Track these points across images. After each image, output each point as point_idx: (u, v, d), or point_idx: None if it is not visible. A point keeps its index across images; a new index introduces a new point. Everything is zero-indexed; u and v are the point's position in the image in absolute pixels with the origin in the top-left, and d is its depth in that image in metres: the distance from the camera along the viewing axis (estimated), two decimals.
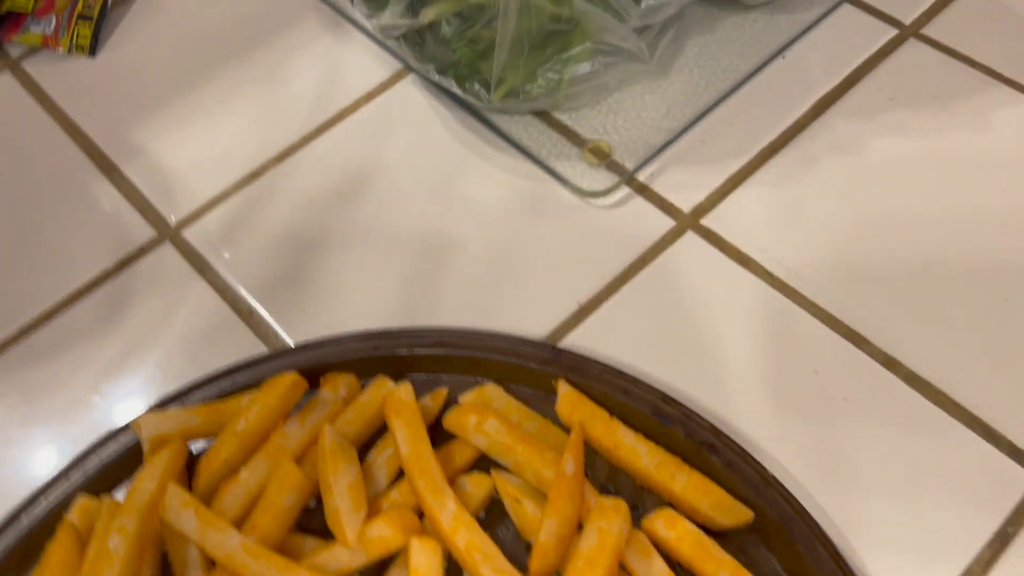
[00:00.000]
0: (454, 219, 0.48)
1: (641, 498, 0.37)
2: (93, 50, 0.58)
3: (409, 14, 0.46)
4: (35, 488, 0.39)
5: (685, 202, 0.47)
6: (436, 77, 0.49)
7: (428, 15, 0.46)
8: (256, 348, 0.44)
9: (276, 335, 0.44)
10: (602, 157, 0.49)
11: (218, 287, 0.46)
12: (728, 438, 0.37)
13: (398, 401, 0.38)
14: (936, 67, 0.52)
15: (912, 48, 0.53)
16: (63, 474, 0.39)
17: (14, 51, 0.58)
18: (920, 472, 0.38)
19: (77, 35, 0.57)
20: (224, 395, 0.41)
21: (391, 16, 0.47)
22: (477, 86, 0.48)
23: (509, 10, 0.44)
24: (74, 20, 0.58)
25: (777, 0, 0.55)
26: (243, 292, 0.46)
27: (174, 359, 0.44)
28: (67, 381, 0.44)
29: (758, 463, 0.37)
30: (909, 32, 0.54)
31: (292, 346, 0.44)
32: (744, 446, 0.38)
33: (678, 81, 0.52)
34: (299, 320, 0.45)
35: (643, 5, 0.45)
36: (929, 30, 0.54)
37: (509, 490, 0.37)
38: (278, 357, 0.41)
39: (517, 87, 0.47)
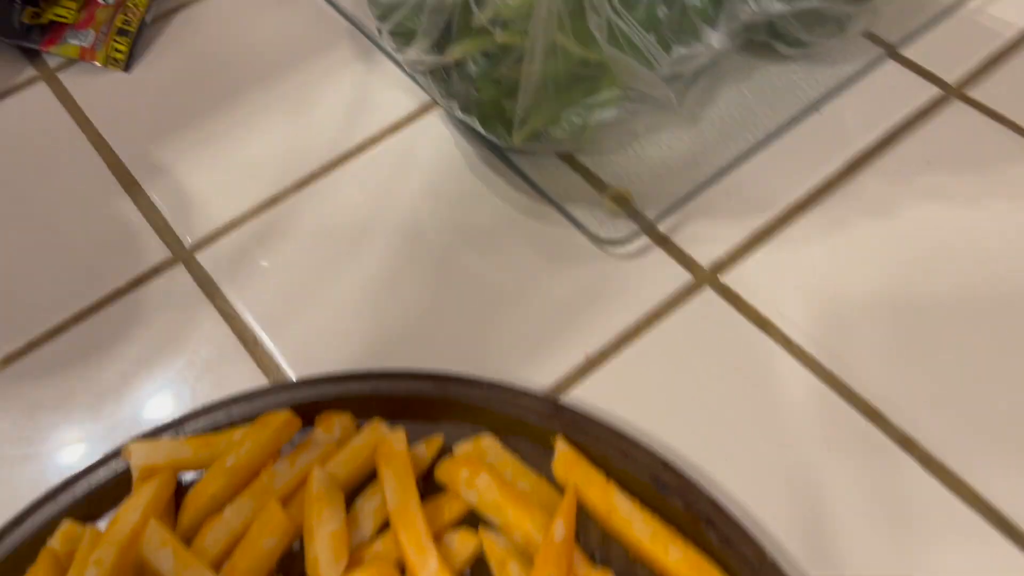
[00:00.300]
0: (468, 258, 0.47)
1: (633, 570, 0.36)
2: (128, 65, 0.58)
3: (435, 51, 0.46)
4: (22, 508, 0.38)
5: (705, 257, 0.46)
6: (459, 114, 0.48)
7: (454, 53, 0.45)
8: (257, 379, 0.44)
9: (279, 367, 0.44)
10: (623, 204, 0.48)
11: (226, 313, 0.46)
12: (728, 513, 0.36)
13: (389, 450, 0.37)
14: (980, 131, 0.50)
15: (955, 110, 0.51)
16: (51, 496, 0.39)
17: (52, 61, 0.59)
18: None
19: (114, 49, 0.58)
20: (218, 427, 0.40)
21: (417, 52, 0.46)
22: (500, 126, 0.47)
23: (536, 52, 0.43)
24: (112, 34, 0.58)
25: (816, 52, 0.53)
26: (251, 320, 0.46)
27: (176, 384, 0.44)
28: (68, 400, 0.44)
29: (757, 542, 0.35)
30: (953, 92, 0.52)
31: (292, 380, 0.43)
32: (745, 522, 0.36)
33: (707, 130, 0.50)
34: (303, 354, 0.44)
35: (673, 55, 0.44)
36: (975, 92, 0.52)
37: (496, 551, 0.36)
38: (276, 391, 0.41)
39: (540, 129, 0.46)
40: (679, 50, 0.44)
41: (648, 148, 0.50)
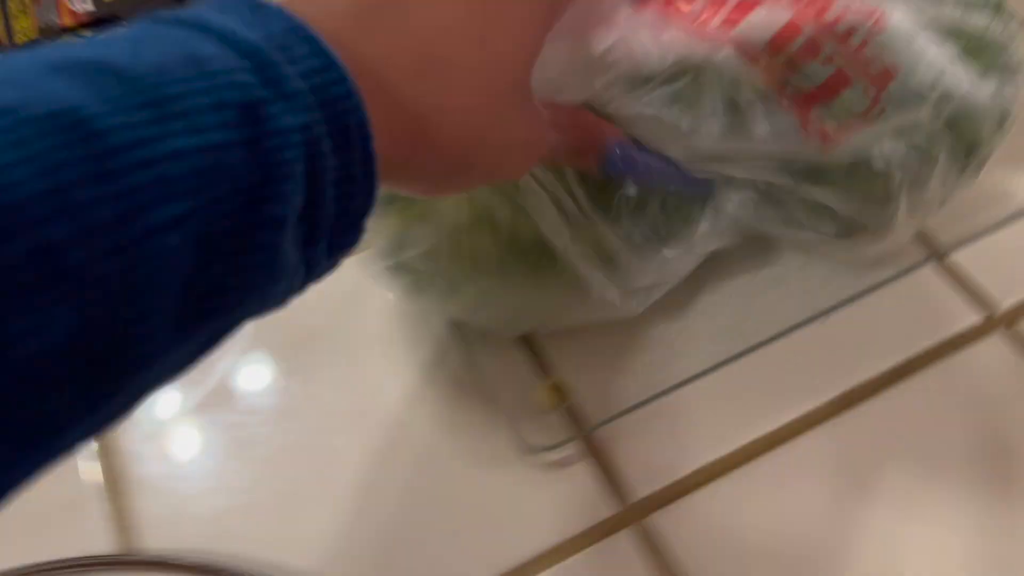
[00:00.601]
0: (371, 445, 0.41)
1: None
2: None
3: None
4: None
5: (636, 486, 0.39)
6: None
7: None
8: None
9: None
10: (557, 400, 0.41)
11: None
12: None
13: None
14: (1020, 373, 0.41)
15: (995, 343, 0.42)
16: None
17: None
18: None
19: None
20: None
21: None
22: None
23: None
24: None
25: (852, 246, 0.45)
26: None
27: None
28: None
29: None
30: (999, 323, 0.43)
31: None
32: None
33: (677, 329, 0.43)
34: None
35: (633, 284, 0.38)
36: None
37: None
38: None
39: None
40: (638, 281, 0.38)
41: (601, 337, 0.43)
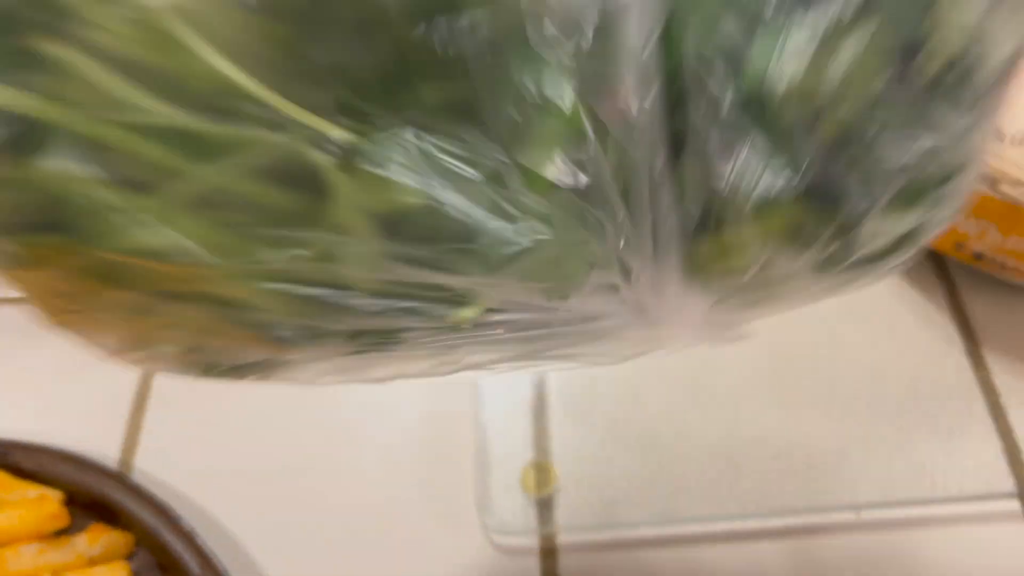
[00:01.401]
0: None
1: None
2: None
3: None
4: None
5: None
6: None
7: None
8: None
9: None
10: (539, 486, 0.39)
11: None
12: None
13: None
14: None
15: None
16: None
17: None
18: None
19: None
20: None
21: None
22: None
23: None
24: None
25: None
26: None
27: None
28: None
29: None
30: None
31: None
32: None
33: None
34: None
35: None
36: None
37: None
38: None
39: None
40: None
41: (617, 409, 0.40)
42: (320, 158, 0.18)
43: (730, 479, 0.38)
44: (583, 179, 0.18)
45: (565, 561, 0.37)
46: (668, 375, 0.42)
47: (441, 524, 0.38)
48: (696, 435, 0.40)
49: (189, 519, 0.38)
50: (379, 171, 0.18)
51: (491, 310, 0.21)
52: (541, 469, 0.39)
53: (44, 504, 0.38)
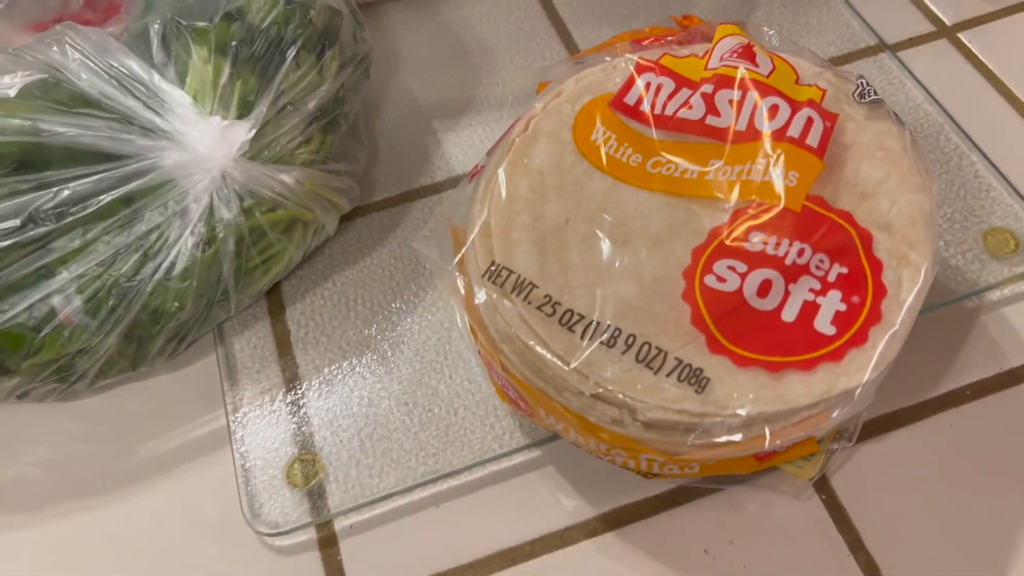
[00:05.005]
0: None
1: None
2: None
3: None
4: None
5: None
6: None
7: None
8: None
9: None
10: (306, 479, 0.38)
11: None
12: None
13: None
14: None
15: None
16: None
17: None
18: None
19: None
20: None
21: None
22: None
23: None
24: None
25: None
26: None
27: None
28: None
29: None
30: None
31: None
32: None
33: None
34: None
35: None
36: None
37: None
38: None
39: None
40: None
41: (368, 407, 0.39)
42: None
43: (492, 421, 0.39)
44: None
45: (346, 546, 0.37)
46: (414, 343, 0.42)
47: (216, 542, 0.37)
48: (447, 389, 0.40)
49: None
50: None
51: None
52: (306, 462, 0.39)
53: None
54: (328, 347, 0.42)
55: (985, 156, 0.45)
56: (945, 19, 0.52)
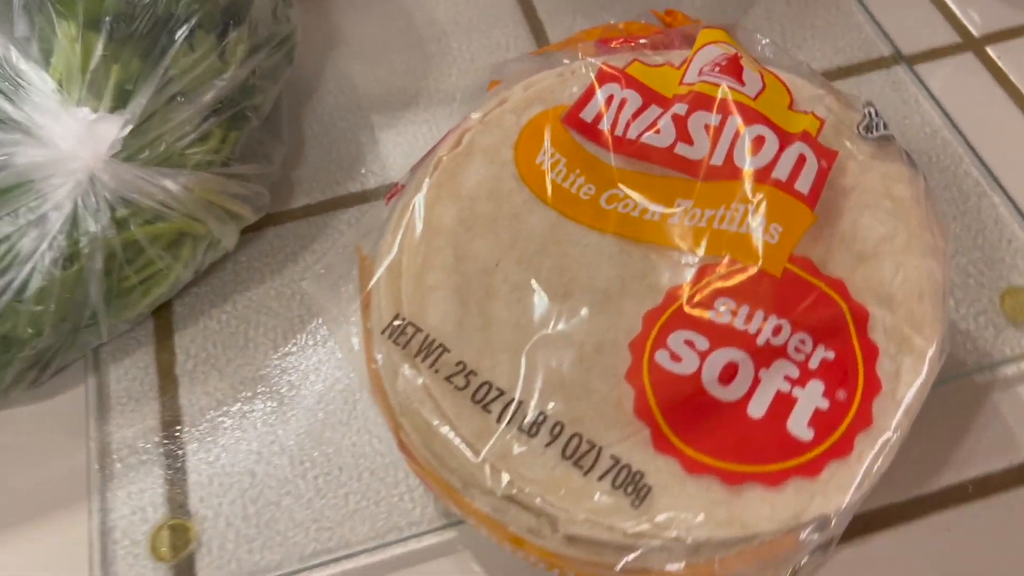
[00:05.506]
0: None
1: None
2: None
3: None
4: None
5: None
6: None
7: None
8: None
9: None
10: (174, 550, 0.32)
11: None
12: None
13: None
14: None
15: None
16: None
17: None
18: None
19: None
20: None
21: None
22: None
23: None
24: None
25: None
26: None
27: None
28: None
29: None
30: None
31: None
32: None
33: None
34: None
35: None
36: None
37: None
38: None
39: None
40: None
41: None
42: None
43: (402, 491, 0.33)
44: None
45: None
46: (319, 386, 0.35)
47: None
48: (352, 447, 0.34)
49: None
50: None
51: None
52: (177, 528, 0.32)
53: None
54: (218, 384, 0.35)
55: (1009, 198, 0.38)
56: (972, 29, 0.45)
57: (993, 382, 0.34)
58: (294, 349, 0.36)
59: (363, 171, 0.41)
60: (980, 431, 0.33)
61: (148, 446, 0.34)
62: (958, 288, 0.36)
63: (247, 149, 0.37)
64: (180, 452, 0.34)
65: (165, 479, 0.33)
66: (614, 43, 0.34)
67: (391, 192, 0.31)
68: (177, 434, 0.34)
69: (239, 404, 0.35)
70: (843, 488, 0.24)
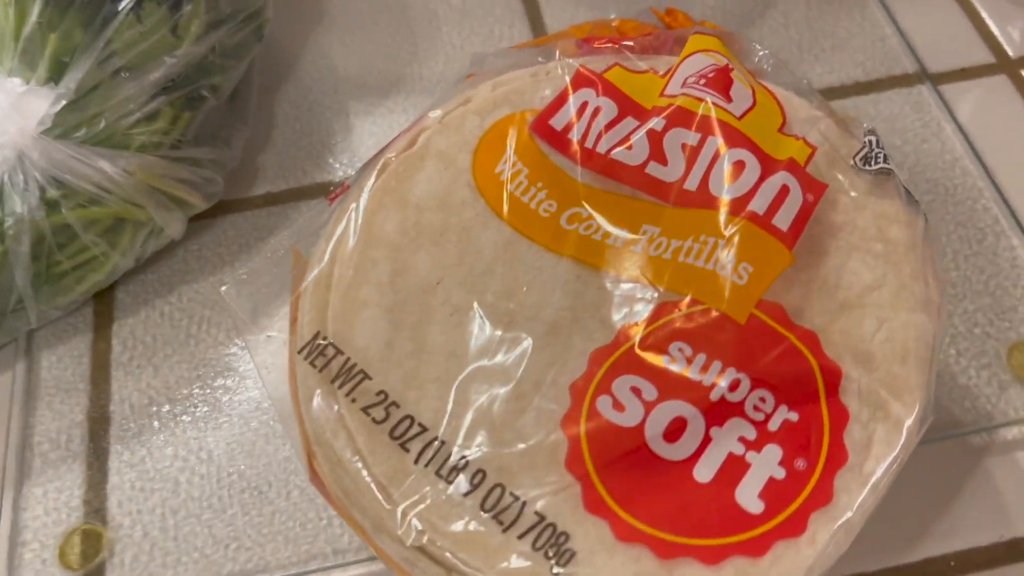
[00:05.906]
0: None
1: None
2: None
3: None
4: None
5: None
6: None
7: None
8: None
9: None
10: (84, 558, 0.30)
11: None
12: None
13: None
14: None
15: None
16: None
17: None
18: None
19: None
20: None
21: None
22: None
23: None
24: None
25: None
26: None
27: None
28: None
29: None
30: None
31: None
32: None
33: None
34: None
35: None
36: None
37: None
38: None
39: None
40: None
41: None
42: None
43: (331, 514, 0.30)
44: None
45: None
46: (255, 392, 0.33)
47: None
48: (283, 462, 0.31)
49: None
50: None
51: None
52: (89, 535, 0.30)
53: None
54: (152, 381, 0.33)
55: None
56: (1009, 49, 0.41)
57: (990, 445, 0.31)
58: (235, 350, 0.34)
59: (331, 161, 0.38)
60: (969, 499, 0.30)
61: (71, 442, 0.32)
62: (962, 337, 0.33)
63: (203, 131, 0.34)
64: (104, 451, 0.32)
65: (84, 479, 0.31)
66: (597, 43, 0.31)
67: (336, 191, 0.29)
68: (104, 431, 0.32)
69: (172, 405, 0.33)
70: (789, 574, 0.21)
